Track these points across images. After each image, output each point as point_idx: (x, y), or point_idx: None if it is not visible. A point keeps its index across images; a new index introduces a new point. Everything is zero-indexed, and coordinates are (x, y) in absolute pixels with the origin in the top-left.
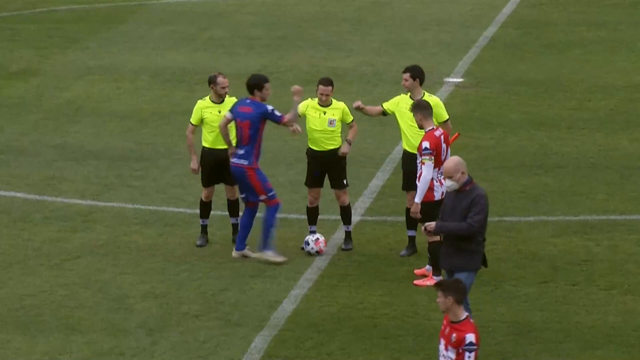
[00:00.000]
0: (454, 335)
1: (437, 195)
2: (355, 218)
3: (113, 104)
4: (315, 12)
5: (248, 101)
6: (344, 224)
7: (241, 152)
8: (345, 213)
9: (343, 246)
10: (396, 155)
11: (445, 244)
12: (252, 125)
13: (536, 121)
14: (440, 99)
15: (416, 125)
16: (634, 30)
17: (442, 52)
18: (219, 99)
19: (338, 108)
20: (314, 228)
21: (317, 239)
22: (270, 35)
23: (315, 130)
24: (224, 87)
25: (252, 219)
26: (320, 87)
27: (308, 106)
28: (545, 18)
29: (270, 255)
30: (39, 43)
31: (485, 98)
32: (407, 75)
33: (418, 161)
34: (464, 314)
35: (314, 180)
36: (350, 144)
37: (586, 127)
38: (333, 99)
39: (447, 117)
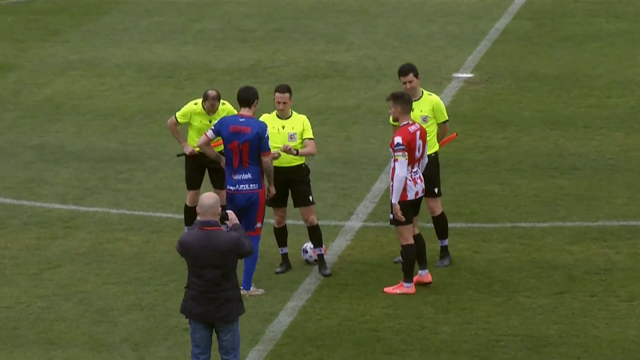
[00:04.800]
0: None
1: (411, 195)
2: (356, 224)
3: (96, 102)
4: (314, 2)
5: (242, 120)
6: (315, 246)
7: (248, 175)
8: (315, 234)
9: (322, 272)
10: None
11: None
12: (252, 145)
13: (551, 120)
14: (448, 96)
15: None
16: None
17: (449, 46)
18: (211, 111)
19: (299, 120)
20: (285, 250)
21: None
22: (265, 28)
23: (275, 147)
24: (213, 105)
25: None
26: (277, 94)
27: (265, 120)
28: (561, 9)
29: (253, 290)
30: (16, 36)
31: (497, 95)
32: (410, 76)
33: (391, 158)
34: None
35: (277, 200)
36: (294, 153)
37: (605, 125)
38: (293, 112)
39: (447, 118)
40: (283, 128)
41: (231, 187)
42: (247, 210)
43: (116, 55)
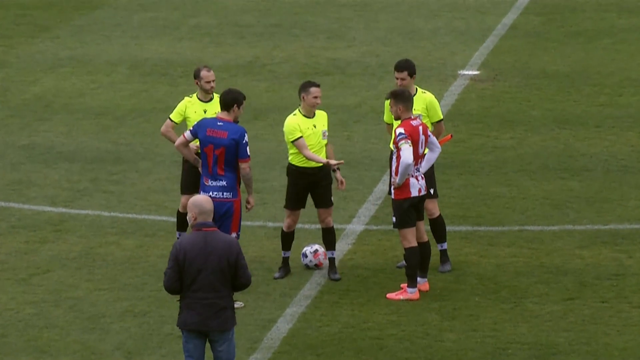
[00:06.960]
0: None
1: (414, 192)
2: (358, 227)
3: (87, 100)
4: None
5: (220, 123)
6: (328, 249)
7: (222, 183)
8: (330, 236)
9: (331, 276)
10: None
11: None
12: (228, 151)
13: (561, 119)
14: (454, 94)
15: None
16: None
17: (455, 42)
18: (206, 97)
19: (323, 116)
20: (287, 254)
21: (316, 250)
22: (263, 23)
23: (311, 146)
24: (208, 82)
25: None
26: (313, 89)
27: (298, 124)
28: (571, 3)
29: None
30: (3, 31)
31: (504, 93)
32: (404, 74)
33: (394, 155)
34: None
35: (297, 201)
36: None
37: (617, 125)
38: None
39: (442, 117)
40: (315, 127)
41: (204, 194)
42: (221, 218)
43: (108, 52)
